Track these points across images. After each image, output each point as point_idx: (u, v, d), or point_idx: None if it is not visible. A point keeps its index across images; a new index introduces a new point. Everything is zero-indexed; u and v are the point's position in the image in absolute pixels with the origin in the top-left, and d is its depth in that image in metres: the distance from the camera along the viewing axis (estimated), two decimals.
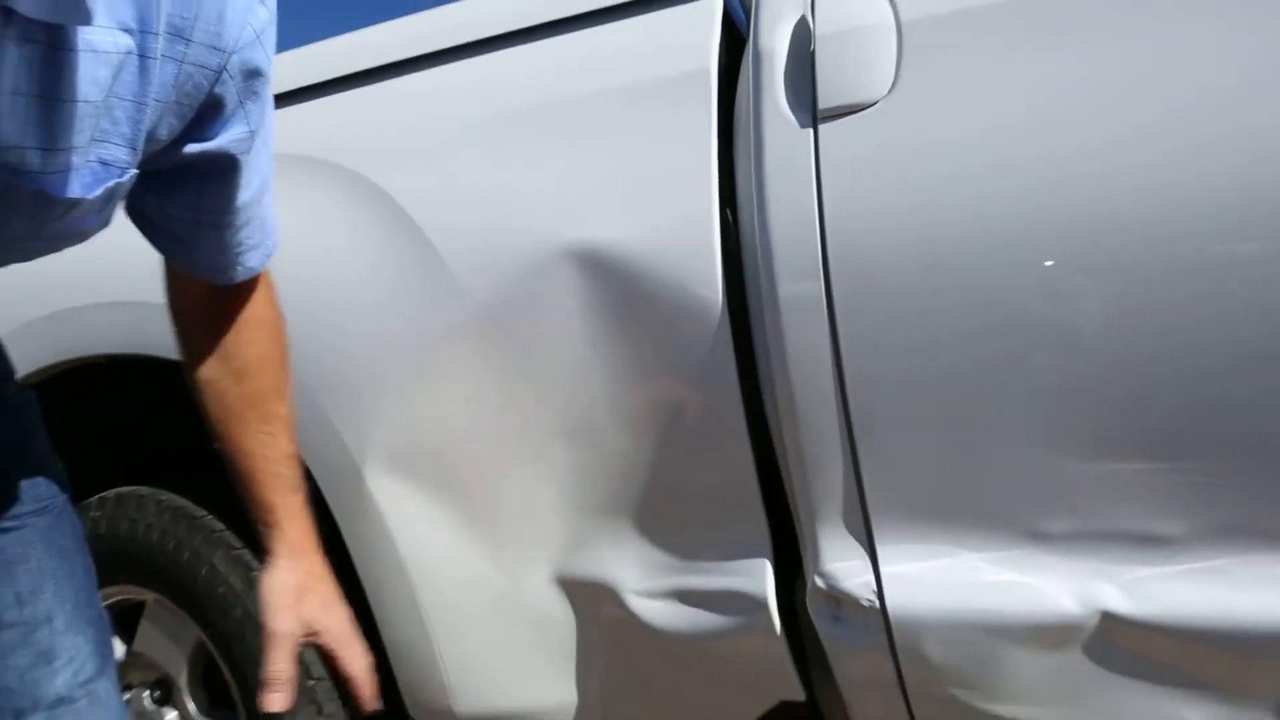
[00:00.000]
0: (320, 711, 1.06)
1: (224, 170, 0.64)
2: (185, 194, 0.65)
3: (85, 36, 0.50)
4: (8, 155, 0.51)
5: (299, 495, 0.81)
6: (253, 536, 1.04)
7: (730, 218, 0.88)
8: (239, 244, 0.70)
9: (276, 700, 0.74)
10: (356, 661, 0.80)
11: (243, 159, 0.64)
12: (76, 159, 0.54)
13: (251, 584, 1.07)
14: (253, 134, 0.63)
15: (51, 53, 0.50)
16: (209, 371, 0.77)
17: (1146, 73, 0.73)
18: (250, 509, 0.81)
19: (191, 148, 0.61)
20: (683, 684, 0.97)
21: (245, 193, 0.67)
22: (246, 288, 0.76)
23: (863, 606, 0.82)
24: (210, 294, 0.75)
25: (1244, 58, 0.71)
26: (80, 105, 0.52)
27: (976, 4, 0.78)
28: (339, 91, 1.04)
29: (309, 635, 0.78)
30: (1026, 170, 0.74)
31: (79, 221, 0.58)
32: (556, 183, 0.93)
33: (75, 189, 0.55)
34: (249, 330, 0.77)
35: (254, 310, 0.77)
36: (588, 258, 0.89)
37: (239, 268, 0.71)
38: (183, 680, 1.15)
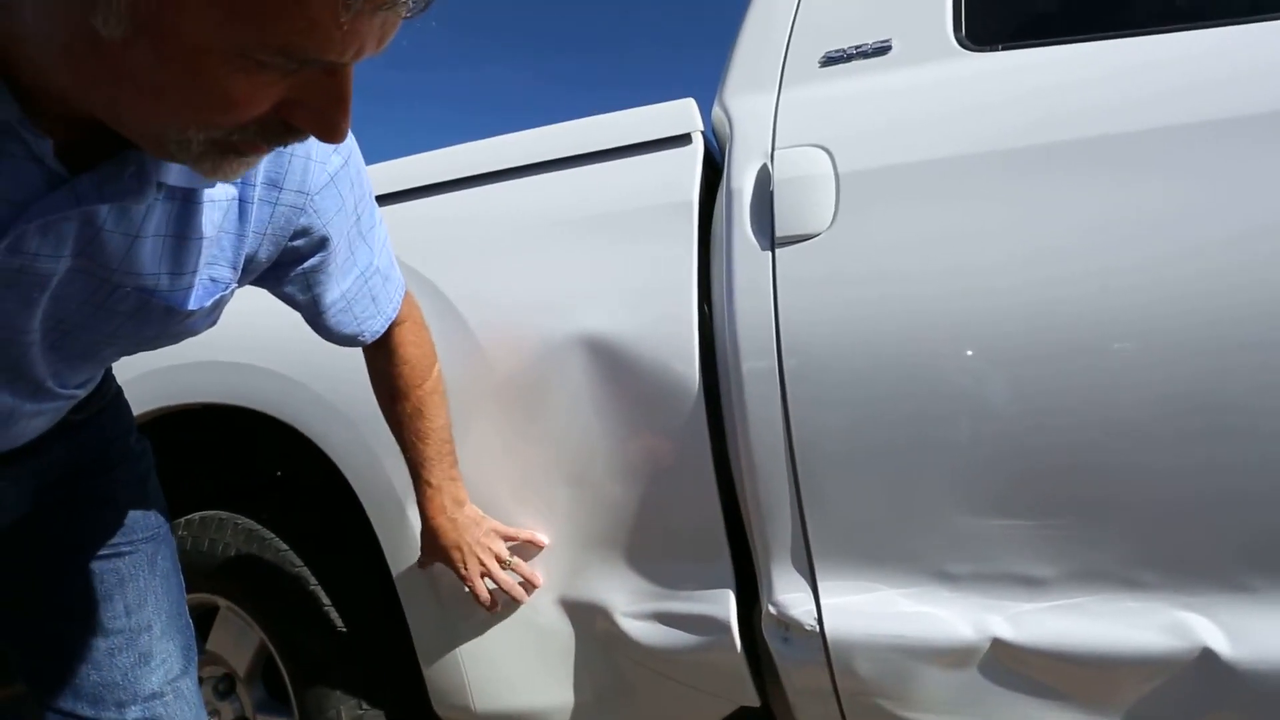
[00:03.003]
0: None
1: (320, 270, 0.75)
2: (298, 288, 0.76)
3: (206, 192, 0.60)
4: (146, 280, 0.60)
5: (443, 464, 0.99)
6: (311, 556, 1.20)
7: (706, 312, 0.98)
8: (356, 319, 0.81)
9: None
10: None
11: (332, 263, 0.74)
12: (194, 280, 0.63)
13: (308, 598, 1.16)
14: (332, 242, 0.72)
15: (183, 206, 0.60)
16: (381, 399, 0.95)
17: (1001, 221, 0.85)
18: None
19: (293, 267, 0.73)
20: (660, 689, 1.05)
21: (345, 283, 0.77)
22: (392, 345, 0.89)
23: (806, 630, 0.92)
24: (372, 354, 0.91)
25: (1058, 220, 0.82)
26: (199, 241, 0.62)
27: (893, 164, 0.90)
28: (405, 201, 1.13)
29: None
30: (931, 280, 0.86)
31: (194, 325, 0.67)
32: (572, 282, 1.03)
33: (192, 302, 0.64)
34: (398, 367, 0.91)
35: (403, 354, 0.91)
36: (594, 342, 1.00)
37: (364, 334, 0.83)
38: (245, 677, 1.22)
